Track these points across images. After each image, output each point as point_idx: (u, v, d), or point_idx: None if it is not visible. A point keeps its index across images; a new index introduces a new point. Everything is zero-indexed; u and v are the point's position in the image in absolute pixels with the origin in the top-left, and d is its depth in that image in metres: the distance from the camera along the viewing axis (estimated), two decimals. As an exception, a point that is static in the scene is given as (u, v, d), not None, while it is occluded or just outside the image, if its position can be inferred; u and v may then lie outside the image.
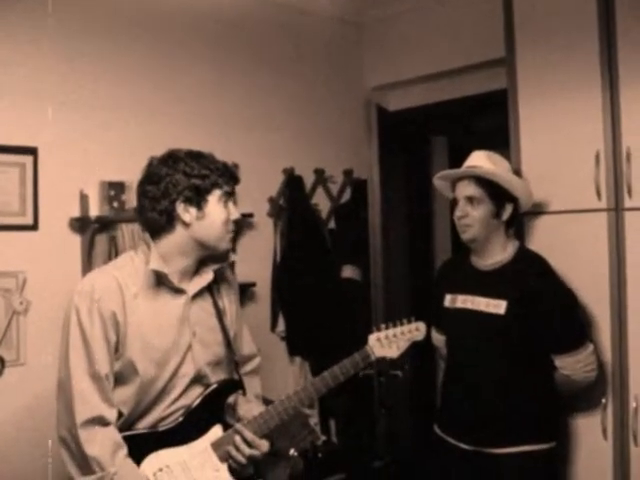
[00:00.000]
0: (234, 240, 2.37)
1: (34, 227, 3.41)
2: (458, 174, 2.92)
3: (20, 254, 3.36)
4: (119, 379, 2.16)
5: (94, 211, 3.56)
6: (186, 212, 2.17)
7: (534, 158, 3.13)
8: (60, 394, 2.14)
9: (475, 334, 2.83)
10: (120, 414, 2.15)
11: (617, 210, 2.85)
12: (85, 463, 2.05)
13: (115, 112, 3.69)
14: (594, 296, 2.90)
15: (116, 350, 2.14)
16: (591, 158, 2.89)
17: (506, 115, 3.25)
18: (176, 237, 2.19)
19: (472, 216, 2.82)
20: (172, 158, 2.20)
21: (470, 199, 2.83)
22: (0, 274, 3.29)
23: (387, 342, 2.43)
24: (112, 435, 2.09)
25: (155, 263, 2.17)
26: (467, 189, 2.84)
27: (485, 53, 4.00)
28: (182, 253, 2.21)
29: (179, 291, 2.22)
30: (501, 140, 3.34)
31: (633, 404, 2.79)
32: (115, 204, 3.58)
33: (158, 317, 2.19)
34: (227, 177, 2.25)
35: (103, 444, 2.06)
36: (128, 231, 3.56)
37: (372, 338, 2.43)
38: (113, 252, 3.55)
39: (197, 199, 2.17)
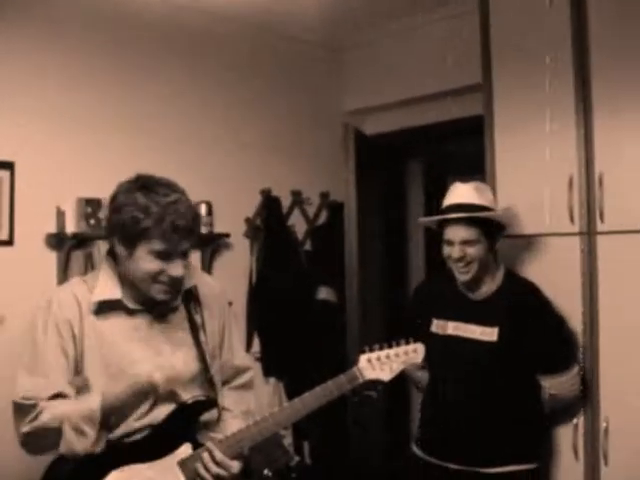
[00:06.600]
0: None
1: (9, 242, 3.39)
2: (450, 218, 2.83)
3: (-6, 269, 3.34)
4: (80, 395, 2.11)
5: (70, 227, 3.54)
6: (119, 246, 2.10)
7: (509, 182, 3.17)
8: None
9: (466, 360, 2.83)
10: None
11: (589, 234, 2.90)
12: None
13: (93, 129, 3.69)
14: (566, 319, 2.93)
15: (76, 366, 2.10)
16: (564, 183, 2.94)
17: (482, 140, 3.28)
18: (122, 266, 2.14)
19: (471, 255, 2.78)
20: (127, 188, 2.10)
21: (466, 241, 2.79)
22: (-26, 289, 3.27)
23: (379, 364, 2.25)
24: None
25: (101, 292, 2.14)
26: (462, 233, 2.79)
27: (462, 79, 4.06)
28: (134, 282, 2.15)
29: (140, 311, 2.17)
30: (476, 165, 3.36)
31: (603, 424, 2.83)
32: (92, 221, 3.56)
33: (118, 335, 2.13)
34: (162, 230, 2.03)
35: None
36: (104, 248, 3.55)
37: (363, 359, 2.24)
38: (89, 269, 3.53)
39: (125, 240, 2.08)
